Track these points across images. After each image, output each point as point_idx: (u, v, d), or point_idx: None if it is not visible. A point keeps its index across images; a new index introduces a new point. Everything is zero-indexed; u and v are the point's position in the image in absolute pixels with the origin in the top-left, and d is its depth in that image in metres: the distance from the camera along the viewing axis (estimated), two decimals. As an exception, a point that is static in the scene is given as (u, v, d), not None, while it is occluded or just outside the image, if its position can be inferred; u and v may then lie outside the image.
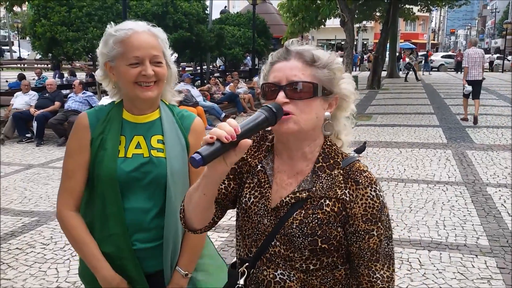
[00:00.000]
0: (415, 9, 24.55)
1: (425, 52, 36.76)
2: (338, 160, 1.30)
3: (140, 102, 1.72)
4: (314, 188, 1.26)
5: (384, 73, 25.01)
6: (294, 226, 1.24)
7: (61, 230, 1.76)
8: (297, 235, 1.24)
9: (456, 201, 5.46)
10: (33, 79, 17.09)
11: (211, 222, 1.35)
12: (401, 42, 44.03)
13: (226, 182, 1.36)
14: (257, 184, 1.33)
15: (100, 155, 1.68)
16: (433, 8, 27.96)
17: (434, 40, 70.84)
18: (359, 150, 7.37)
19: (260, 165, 1.34)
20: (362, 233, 1.24)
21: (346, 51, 12.79)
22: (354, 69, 30.07)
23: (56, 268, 3.91)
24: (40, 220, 5.08)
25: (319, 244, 1.24)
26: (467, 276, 3.68)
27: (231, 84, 13.93)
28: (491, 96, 17.10)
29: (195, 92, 11.56)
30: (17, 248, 4.33)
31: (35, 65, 27.59)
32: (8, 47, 46.63)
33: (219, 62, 25.64)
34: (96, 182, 1.69)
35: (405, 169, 6.92)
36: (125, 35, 1.63)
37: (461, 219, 4.88)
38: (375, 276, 1.25)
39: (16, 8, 25.57)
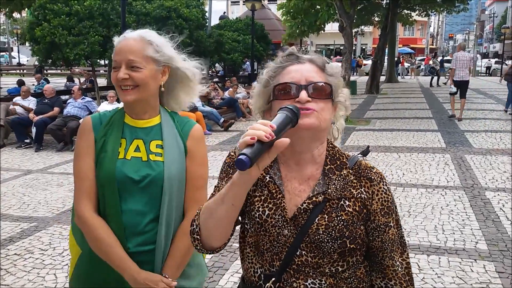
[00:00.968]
0: (414, 14, 24.62)
1: (441, 57, 36.74)
2: (344, 160, 1.33)
3: (126, 106, 1.79)
4: (329, 190, 1.27)
5: (382, 78, 25.06)
6: (321, 232, 1.24)
7: (83, 232, 1.74)
8: (325, 240, 1.24)
9: (455, 205, 5.46)
10: (32, 84, 17.11)
11: (229, 238, 1.31)
12: (399, 47, 44.17)
13: None
14: (269, 196, 1.31)
15: (101, 157, 1.72)
16: (432, 14, 28.03)
17: (432, 44, 71.05)
18: (364, 153, 7.41)
19: (268, 176, 1.33)
20: (383, 226, 1.31)
21: (345, 56, 12.81)
22: (352, 73, 30.13)
23: (54, 274, 3.90)
24: (39, 225, 5.07)
25: (348, 245, 1.26)
26: (466, 281, 3.68)
27: (230, 89, 13.96)
28: (490, 100, 17.14)
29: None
30: (15, 254, 4.32)
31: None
32: (7, 53, 46.72)
33: (218, 67, 25.68)
34: (98, 183, 1.72)
35: (404, 174, 6.93)
36: (118, 42, 1.73)
37: (460, 224, 4.88)
38: (396, 264, 1.32)
39: (16, 15, 25.66)
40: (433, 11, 25.64)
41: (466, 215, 5.15)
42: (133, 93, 1.70)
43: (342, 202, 1.27)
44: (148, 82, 1.71)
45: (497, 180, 6.47)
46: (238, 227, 1.38)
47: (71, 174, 7.31)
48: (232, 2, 53.32)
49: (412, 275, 1.36)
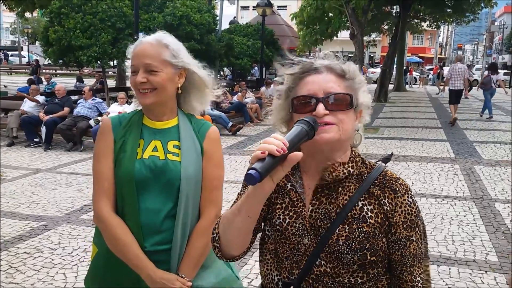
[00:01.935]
0: (424, 24, 24.60)
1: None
2: (364, 170, 1.31)
3: (144, 108, 1.81)
4: (342, 200, 1.26)
5: (391, 86, 25.03)
6: (341, 243, 1.23)
7: (101, 231, 1.76)
8: (345, 251, 1.22)
9: (465, 216, 5.43)
10: (42, 84, 17.23)
11: (248, 247, 1.32)
12: (408, 56, 44.09)
13: None
14: (290, 204, 1.30)
15: (120, 157, 1.74)
16: (441, 24, 28.02)
17: (441, 54, 70.89)
18: (386, 160, 7.49)
19: (290, 183, 1.32)
20: (404, 240, 1.26)
21: (356, 63, 12.81)
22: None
23: (64, 274, 3.91)
24: (48, 225, 5.09)
25: (368, 257, 1.23)
26: (476, 292, 3.66)
27: (239, 93, 13.98)
28: (498, 112, 17.05)
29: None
30: (25, 252, 4.33)
31: (44, 71, 27.83)
32: (17, 52, 47.07)
33: (226, 71, 25.75)
34: (116, 182, 1.74)
35: (412, 183, 6.90)
36: (134, 47, 1.77)
37: (470, 235, 4.85)
38: (415, 280, 1.28)
39: (27, 14, 25.87)
40: (443, 21, 25.60)
41: (476, 226, 5.11)
42: (151, 96, 1.73)
43: (364, 213, 1.25)
44: (165, 85, 1.74)
45: (506, 192, 6.43)
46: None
47: (80, 174, 7.37)
48: (242, 7, 53.44)
49: None
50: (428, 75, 34.05)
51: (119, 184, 1.74)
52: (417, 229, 1.28)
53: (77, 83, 18.63)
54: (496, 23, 77.37)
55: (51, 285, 3.72)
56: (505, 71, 39.09)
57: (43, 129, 9.45)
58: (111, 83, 20.78)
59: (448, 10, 23.53)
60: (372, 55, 56.03)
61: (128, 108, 8.53)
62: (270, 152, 1.03)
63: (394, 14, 22.81)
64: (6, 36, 68.10)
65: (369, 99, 1.33)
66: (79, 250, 4.38)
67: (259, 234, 1.40)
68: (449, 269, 4.06)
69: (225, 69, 24.19)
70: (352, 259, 1.22)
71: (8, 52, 48.77)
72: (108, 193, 1.75)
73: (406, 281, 1.28)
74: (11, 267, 4.02)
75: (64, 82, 22.23)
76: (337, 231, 1.23)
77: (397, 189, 1.27)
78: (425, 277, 1.31)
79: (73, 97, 12.32)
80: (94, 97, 10.05)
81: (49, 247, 4.46)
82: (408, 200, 1.27)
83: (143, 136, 1.79)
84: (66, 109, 9.90)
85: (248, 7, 51.11)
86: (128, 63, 1.78)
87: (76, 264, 4.08)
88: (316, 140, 1.19)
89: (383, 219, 1.25)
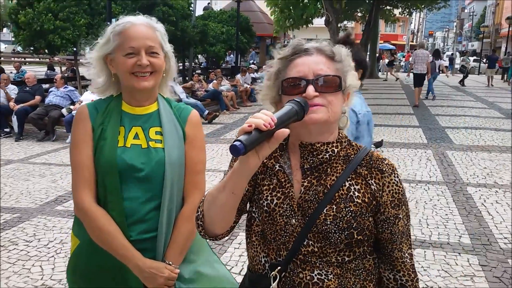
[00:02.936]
0: (396, 11, 24.84)
1: (451, 54, 37.10)
2: (351, 151, 1.33)
3: (137, 92, 1.75)
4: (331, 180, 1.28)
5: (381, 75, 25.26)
6: (328, 222, 1.24)
7: (85, 223, 1.72)
8: (333, 230, 1.23)
9: (438, 200, 5.56)
10: (11, 72, 16.76)
11: (232, 226, 1.32)
12: (380, 43, 44.49)
13: None
14: (277, 185, 1.31)
15: (100, 145, 1.70)
16: (414, 11, 28.32)
17: (413, 41, 71.82)
18: (378, 145, 7.81)
19: (278, 164, 1.33)
20: (392, 218, 1.30)
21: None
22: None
23: (40, 266, 3.85)
24: (22, 216, 4.98)
25: (355, 236, 1.25)
26: (451, 274, 3.76)
27: (214, 81, 13.89)
28: (469, 98, 17.44)
29: (178, 88, 11.48)
30: (-1, 244, 4.25)
31: (12, 59, 27.04)
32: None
33: (201, 59, 25.52)
34: (98, 171, 1.70)
35: (387, 169, 7.00)
36: (123, 27, 1.69)
37: (444, 218, 4.98)
38: (404, 256, 1.32)
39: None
40: (415, 8, 25.88)
41: (449, 209, 5.25)
42: (151, 79, 1.70)
43: (351, 193, 1.26)
44: (163, 68, 1.74)
45: (478, 176, 6.61)
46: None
47: (53, 165, 7.23)
48: (215, -7, 52.91)
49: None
50: (400, 62, 34.49)
51: (100, 173, 1.70)
52: (403, 207, 1.31)
53: (48, 71, 18.18)
54: (466, 11, 78.75)
55: (27, 277, 3.66)
56: (475, 57, 39.89)
57: (14, 119, 9.22)
58: (82, 71, 20.37)
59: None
60: (345, 42, 56.22)
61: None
62: (257, 126, 1.03)
63: (367, 1, 22.93)
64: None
65: (356, 83, 1.34)
66: (55, 242, 4.31)
67: (245, 216, 1.40)
68: (424, 252, 4.16)
69: (199, 56, 23.96)
70: (339, 238, 1.23)
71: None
72: (89, 183, 1.70)
73: (397, 258, 1.32)
74: (-15, 260, 3.93)
75: (34, 71, 21.67)
76: (324, 211, 1.24)
77: (384, 169, 1.29)
78: (411, 253, 1.36)
79: (44, 86, 12.03)
80: (66, 85, 9.84)
81: (24, 239, 4.38)
82: (395, 180, 1.29)
83: (123, 123, 1.75)
84: (38, 97, 9.67)
85: (222, -7, 50.57)
86: (108, 44, 1.69)
87: (53, 256, 4.02)
88: (305, 121, 1.20)
89: (370, 199, 1.27)
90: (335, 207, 1.25)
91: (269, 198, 1.30)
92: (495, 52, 37.33)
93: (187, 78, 16.42)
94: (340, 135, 1.34)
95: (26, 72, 12.78)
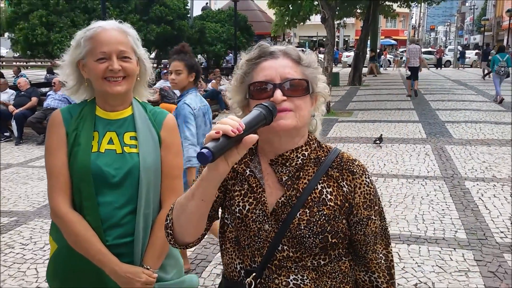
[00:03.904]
0: (395, 5, 24.72)
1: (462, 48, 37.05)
2: (321, 153, 1.32)
3: (110, 97, 1.74)
4: (302, 184, 1.27)
5: (365, 70, 25.20)
6: (302, 227, 1.22)
7: (59, 228, 1.72)
8: (307, 235, 1.22)
9: (435, 195, 5.55)
10: (12, 77, 16.82)
11: (203, 234, 1.30)
12: (382, 39, 44.41)
13: None
14: (249, 190, 1.29)
15: (75, 150, 1.70)
16: (413, 4, 28.17)
17: (414, 36, 71.58)
18: (379, 140, 8.19)
19: (249, 169, 1.31)
20: (365, 219, 1.29)
21: (327, 47, 12.84)
22: (335, 65, 30.26)
23: (35, 268, 3.87)
24: (19, 220, 5.01)
25: (330, 239, 1.24)
26: (445, 269, 3.75)
27: (214, 81, 13.90)
28: (470, 91, 17.38)
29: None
30: (-5, 248, 4.27)
31: (14, 63, 27.16)
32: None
33: (201, 59, 25.54)
34: (73, 177, 1.70)
35: (385, 164, 7.00)
36: (94, 32, 1.69)
37: (440, 213, 4.96)
38: (379, 257, 1.31)
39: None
40: (414, 2, 25.76)
41: (446, 204, 5.23)
42: (124, 83, 1.70)
43: (324, 196, 1.25)
44: (135, 73, 1.73)
45: (476, 170, 6.58)
46: (218, 222, 1.38)
47: (52, 168, 7.25)
48: (214, -7, 52.93)
49: (394, 267, 1.35)
50: (401, 57, 34.40)
51: (75, 179, 1.69)
52: (376, 207, 1.30)
53: (47, 74, 18.21)
54: (466, 4, 78.37)
55: (22, 280, 3.68)
56: (477, 51, 39.71)
57: (13, 123, 9.26)
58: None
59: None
60: (346, 39, 56.21)
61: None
62: (224, 132, 1.01)
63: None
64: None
65: (326, 90, 1.33)
66: (52, 244, 4.33)
67: (216, 223, 1.39)
68: (419, 247, 4.15)
69: (199, 56, 23.97)
70: (314, 243, 1.22)
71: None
72: (65, 188, 1.70)
73: (371, 259, 1.31)
74: (-19, 264, 3.95)
75: (35, 74, 21.78)
76: (298, 215, 1.23)
77: (355, 170, 1.29)
78: (391, 253, 1.34)
79: (44, 89, 12.07)
80: (64, 89, 9.87)
81: (20, 243, 4.40)
82: (366, 181, 1.29)
83: (97, 128, 1.74)
84: (34, 99, 9.72)
85: (221, -8, 50.58)
86: (79, 49, 1.69)
87: (48, 259, 4.03)
88: (273, 127, 1.19)
89: (342, 201, 1.26)
90: (308, 211, 1.23)
91: (241, 204, 1.28)
92: (489, 45, 37.10)
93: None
94: (310, 137, 1.33)
95: (25, 76, 12.84)
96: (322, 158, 1.31)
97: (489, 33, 50.31)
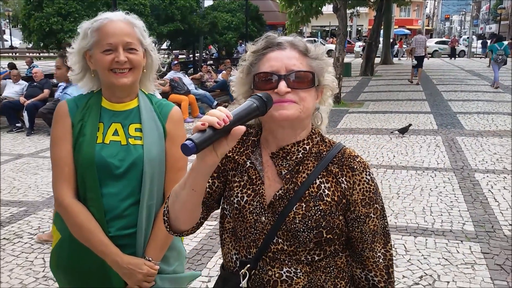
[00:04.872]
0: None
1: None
2: (323, 148, 1.30)
3: (116, 89, 1.74)
4: (301, 178, 1.26)
5: (378, 60, 24.96)
6: (297, 221, 1.22)
7: (63, 218, 1.73)
8: (301, 229, 1.22)
9: (444, 187, 5.49)
10: (25, 68, 16.97)
11: (198, 223, 1.31)
12: (395, 28, 43.89)
13: (210, 180, 1.32)
14: (248, 182, 1.29)
15: (80, 141, 1.71)
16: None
17: (428, 26, 70.66)
18: (404, 130, 8.10)
19: (249, 161, 1.30)
20: (363, 217, 1.27)
21: (339, 37, 12.71)
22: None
23: (43, 258, 3.91)
24: (28, 210, 5.07)
25: (324, 235, 1.23)
26: (451, 262, 3.72)
27: (224, 72, 13.87)
28: (483, 82, 17.14)
29: (186, 80, 11.50)
30: (4, 238, 4.33)
31: (27, 54, 27.39)
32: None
33: (212, 49, 25.50)
34: (77, 167, 1.71)
35: (394, 156, 6.94)
36: (100, 24, 1.68)
37: (448, 205, 4.91)
38: (376, 256, 1.29)
39: (6, -4, 25.27)
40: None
41: (455, 196, 5.18)
42: (130, 75, 1.70)
43: (321, 191, 1.24)
44: (142, 65, 1.73)
45: (486, 162, 6.50)
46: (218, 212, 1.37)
47: (62, 158, 7.32)
48: (226, -17, 52.75)
49: (393, 267, 1.33)
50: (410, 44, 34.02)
51: (80, 169, 1.70)
52: (376, 205, 1.28)
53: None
54: (483, -7, 77.01)
55: (30, 270, 3.73)
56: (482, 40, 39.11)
57: (25, 114, 9.35)
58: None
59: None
60: (359, 29, 55.68)
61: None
62: (210, 124, 1.01)
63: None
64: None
65: (334, 83, 1.31)
66: (59, 234, 4.38)
67: (217, 212, 1.39)
68: (426, 240, 4.12)
69: (211, 47, 23.96)
70: (308, 237, 1.22)
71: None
72: (69, 178, 1.71)
73: (368, 257, 1.29)
74: (-10, 253, 4.02)
75: (48, 66, 21.94)
76: (294, 209, 1.22)
77: (355, 167, 1.26)
78: (389, 252, 1.32)
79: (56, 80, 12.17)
80: (75, 80, 9.93)
81: (29, 232, 4.46)
82: (366, 178, 1.26)
83: (102, 120, 1.75)
84: (46, 91, 9.77)
85: (233, -18, 50.29)
86: (86, 40, 1.69)
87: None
88: (275, 117, 1.18)
89: (340, 197, 1.25)
90: (304, 205, 1.23)
91: (239, 195, 1.29)
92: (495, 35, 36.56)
93: (197, 69, 16.43)
94: (313, 131, 1.31)
95: (37, 67, 12.94)
96: (324, 153, 1.29)
97: (506, 22, 49.44)
